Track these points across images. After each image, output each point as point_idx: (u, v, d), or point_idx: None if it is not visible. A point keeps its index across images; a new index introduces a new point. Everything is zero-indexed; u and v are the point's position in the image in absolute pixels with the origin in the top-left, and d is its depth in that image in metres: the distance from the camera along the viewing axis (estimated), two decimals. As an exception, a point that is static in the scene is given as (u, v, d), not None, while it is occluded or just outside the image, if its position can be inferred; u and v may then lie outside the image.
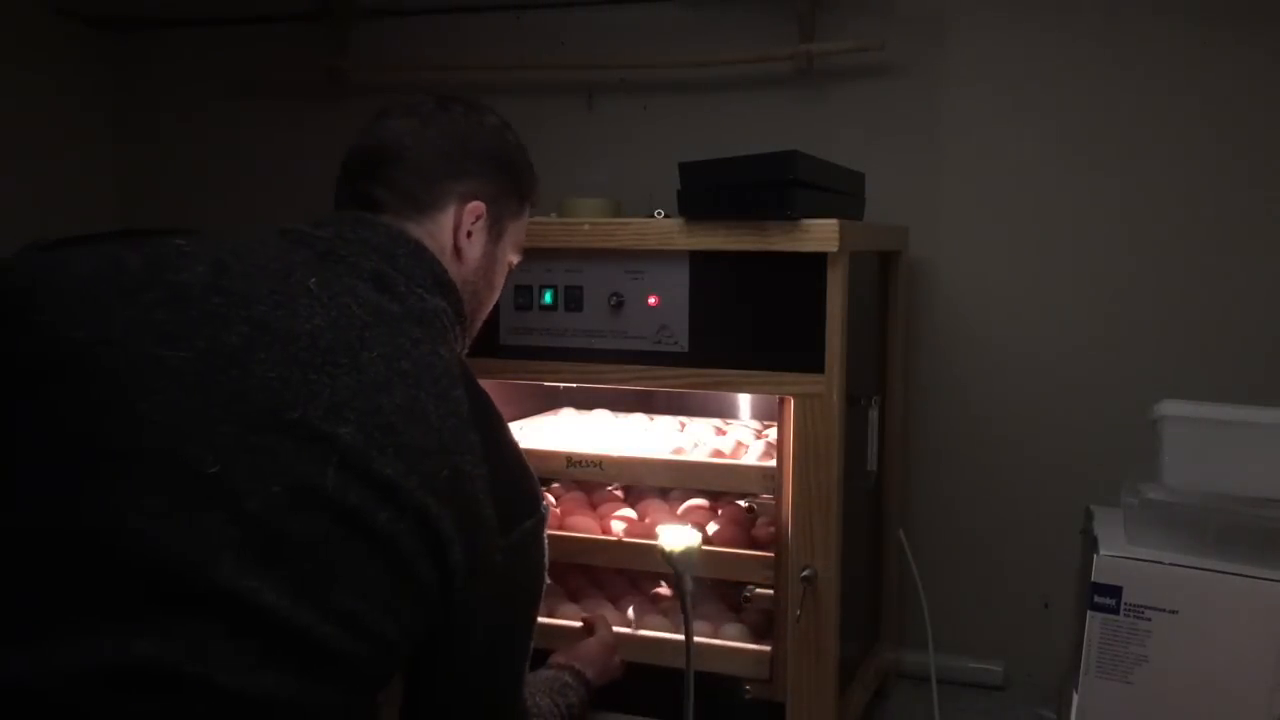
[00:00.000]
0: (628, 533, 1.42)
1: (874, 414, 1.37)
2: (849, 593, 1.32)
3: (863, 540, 1.51)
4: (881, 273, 1.58)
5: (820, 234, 1.22)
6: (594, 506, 1.53)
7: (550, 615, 1.39)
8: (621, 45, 1.84)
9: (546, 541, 0.95)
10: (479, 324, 1.11)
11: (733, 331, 1.29)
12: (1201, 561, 1.19)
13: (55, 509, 0.76)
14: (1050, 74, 1.65)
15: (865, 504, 1.50)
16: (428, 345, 0.90)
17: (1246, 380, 1.56)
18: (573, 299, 1.36)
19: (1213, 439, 1.23)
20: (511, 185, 1.08)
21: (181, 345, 0.79)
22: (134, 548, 0.75)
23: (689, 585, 1.20)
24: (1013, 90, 1.67)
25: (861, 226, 1.42)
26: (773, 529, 1.32)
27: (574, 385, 1.48)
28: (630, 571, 1.49)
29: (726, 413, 1.75)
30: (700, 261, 1.30)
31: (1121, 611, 1.21)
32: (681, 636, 1.20)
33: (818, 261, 1.23)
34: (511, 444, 0.95)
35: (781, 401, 1.28)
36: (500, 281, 1.11)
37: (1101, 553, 1.22)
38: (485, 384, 0.94)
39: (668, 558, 1.20)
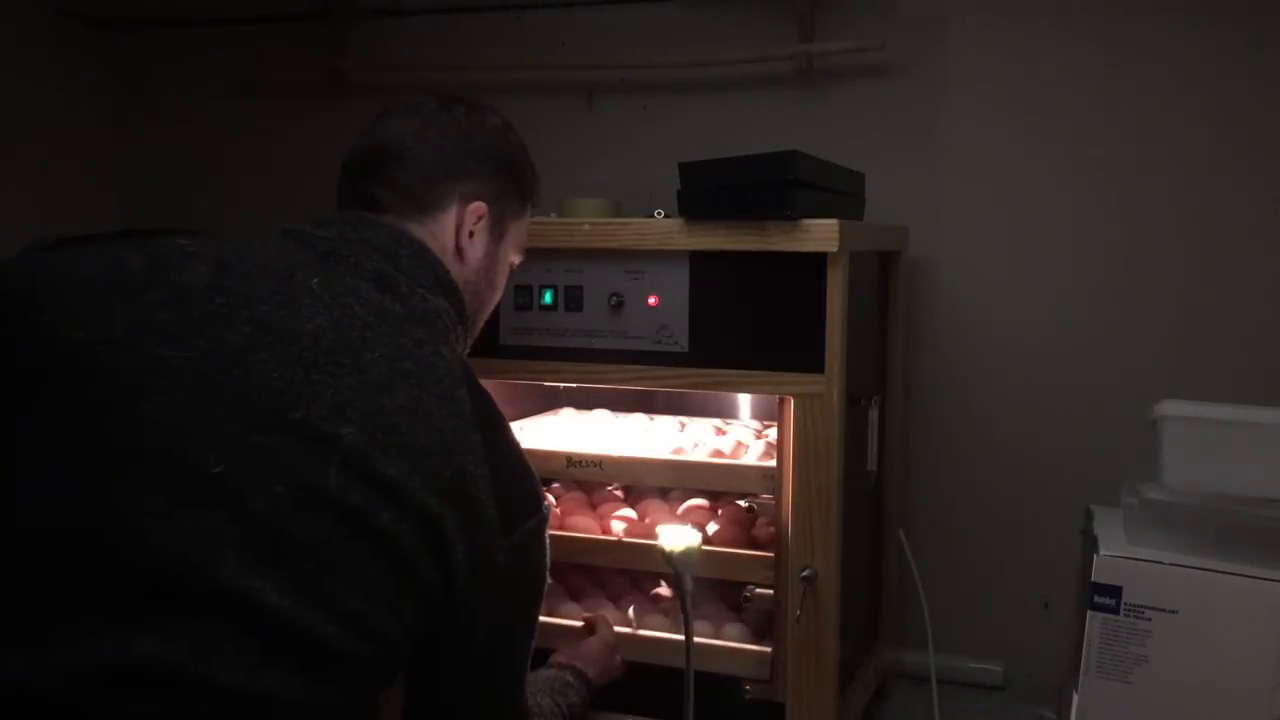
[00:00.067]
0: (628, 533, 1.42)
1: (874, 414, 1.36)
2: (849, 593, 1.32)
3: (863, 540, 1.51)
4: (881, 273, 1.58)
5: (820, 234, 1.22)
6: (594, 506, 1.53)
7: (551, 614, 1.39)
8: (621, 45, 1.84)
9: (548, 542, 0.95)
10: (481, 324, 1.11)
11: (733, 331, 1.29)
12: (1201, 561, 1.19)
13: (56, 509, 0.76)
14: (1050, 74, 1.65)
15: (865, 504, 1.50)
16: (430, 345, 0.90)
17: (1246, 380, 1.56)
18: (573, 299, 1.36)
19: (1213, 439, 1.23)
20: (513, 185, 1.08)
21: (184, 345, 0.80)
22: (135, 548, 0.75)
23: (689, 585, 1.20)
24: (1013, 90, 1.67)
25: (861, 226, 1.42)
26: (773, 529, 1.32)
27: (574, 385, 1.48)
28: (631, 571, 1.49)
29: (726, 413, 1.75)
30: (700, 261, 1.30)
31: (1121, 611, 1.21)
32: (682, 636, 1.20)
33: (818, 261, 1.23)
34: (513, 444, 0.95)
35: (781, 401, 1.28)
36: (502, 282, 1.11)
37: (1101, 553, 1.22)
38: (486, 384, 0.95)
39: (668, 558, 1.20)
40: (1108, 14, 1.62)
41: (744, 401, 1.74)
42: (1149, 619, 1.20)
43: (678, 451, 1.48)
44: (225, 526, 0.76)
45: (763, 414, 1.70)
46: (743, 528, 1.40)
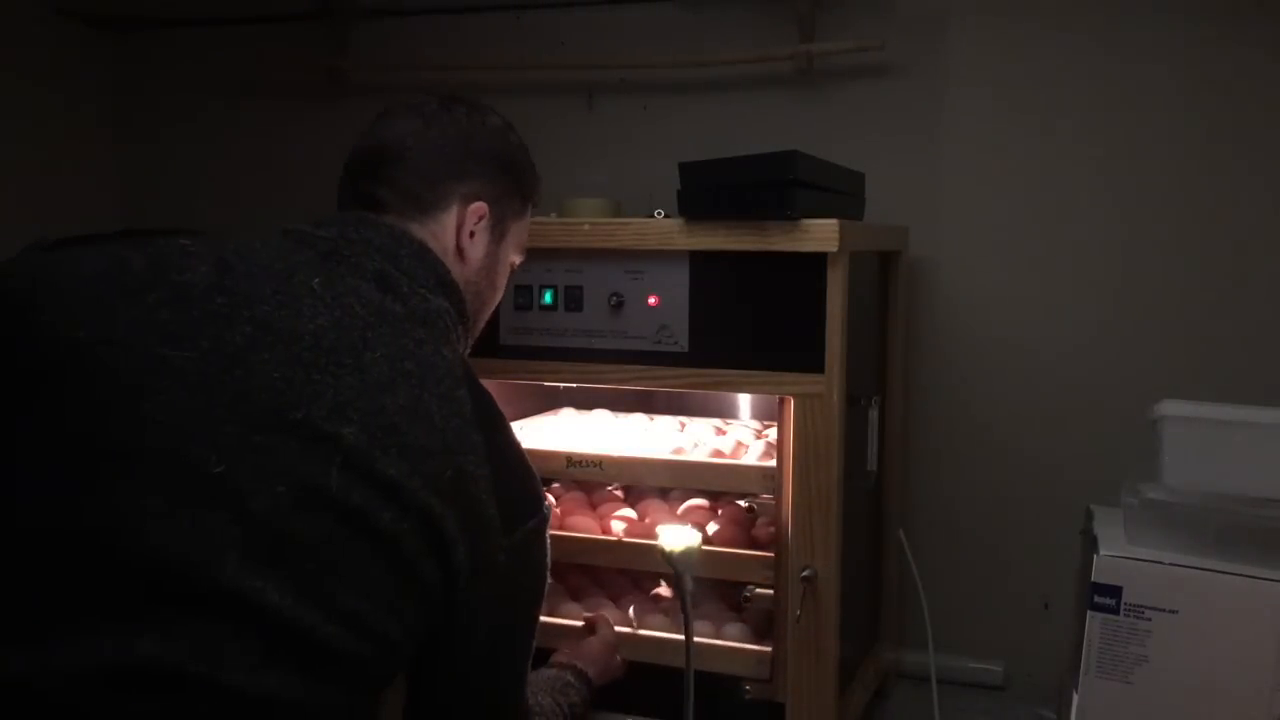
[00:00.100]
0: (628, 533, 1.42)
1: (874, 414, 1.36)
2: (849, 593, 1.32)
3: (863, 540, 1.51)
4: (881, 273, 1.58)
5: (820, 234, 1.22)
6: (594, 506, 1.53)
7: (552, 614, 1.39)
8: (621, 45, 1.84)
9: (549, 542, 0.95)
10: (482, 324, 1.11)
11: (733, 331, 1.29)
12: (1201, 561, 1.19)
13: (57, 509, 0.76)
14: (1050, 74, 1.65)
15: (865, 504, 1.50)
16: (431, 346, 0.90)
17: (1246, 380, 1.56)
18: (573, 299, 1.36)
19: (1213, 439, 1.23)
20: (514, 186, 1.08)
21: (185, 345, 0.80)
22: (136, 547, 0.75)
23: (689, 585, 1.20)
24: (1013, 90, 1.67)
25: (861, 226, 1.42)
26: (773, 529, 1.32)
27: (574, 385, 1.48)
28: (631, 571, 1.49)
29: (726, 413, 1.75)
30: (700, 261, 1.30)
31: (1121, 611, 1.21)
32: (682, 636, 1.20)
33: (818, 261, 1.23)
34: (514, 444, 0.95)
35: (781, 401, 1.28)
36: (503, 282, 1.11)
37: (1101, 553, 1.22)
38: (486, 384, 0.95)
39: (668, 558, 1.20)
40: (1107, 14, 1.62)
41: (744, 401, 1.75)
42: (1149, 619, 1.20)
43: (678, 451, 1.48)
44: (226, 526, 0.76)
45: (763, 414, 1.70)
46: (743, 528, 1.40)
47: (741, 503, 1.39)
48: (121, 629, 0.74)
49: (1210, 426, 1.23)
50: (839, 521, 1.27)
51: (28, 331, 0.81)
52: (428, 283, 0.96)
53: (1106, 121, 1.63)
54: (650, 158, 1.75)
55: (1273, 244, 1.58)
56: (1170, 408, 1.25)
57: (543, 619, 0.99)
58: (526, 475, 0.95)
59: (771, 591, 1.32)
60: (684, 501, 1.50)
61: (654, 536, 1.27)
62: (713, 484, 1.43)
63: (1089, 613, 1.22)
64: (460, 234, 1.02)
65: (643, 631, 1.38)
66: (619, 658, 1.33)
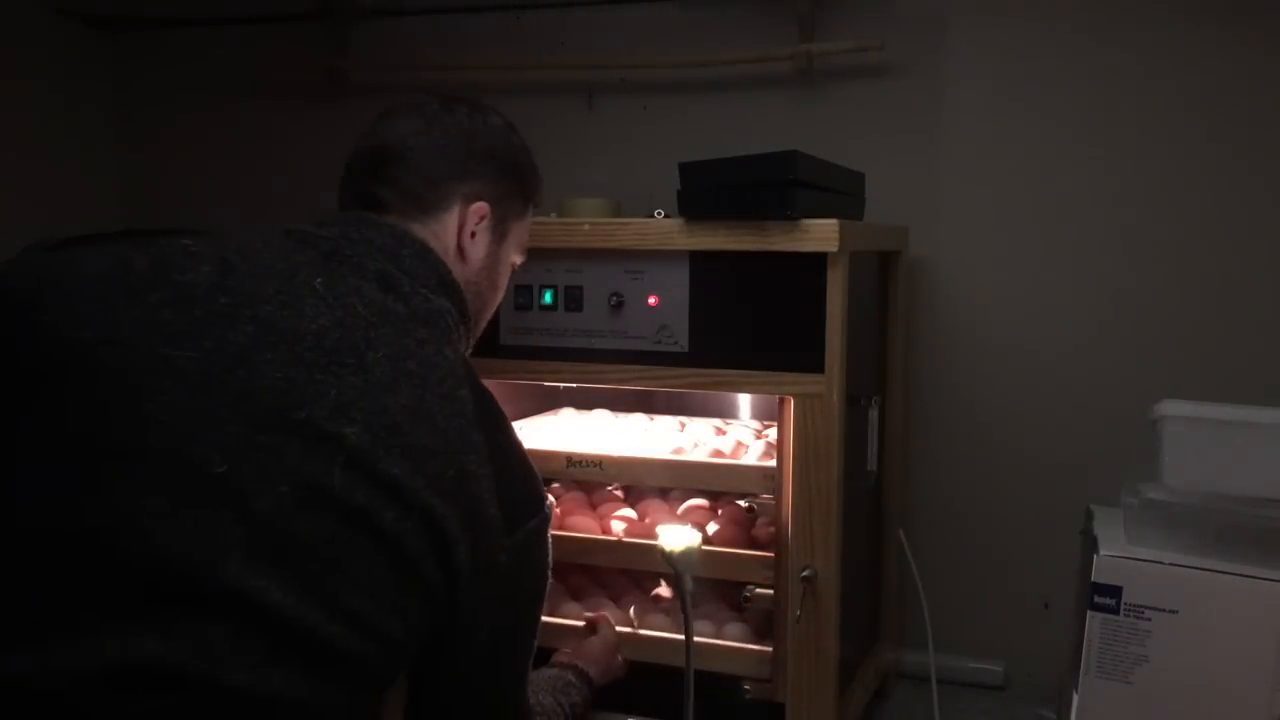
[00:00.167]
0: (628, 533, 1.42)
1: (874, 414, 1.37)
2: (849, 593, 1.33)
3: (863, 540, 1.51)
4: (881, 273, 1.58)
5: (820, 234, 1.22)
6: (594, 506, 1.53)
7: (553, 614, 1.39)
8: (621, 45, 1.84)
9: (550, 541, 0.95)
10: (483, 324, 1.11)
11: (733, 331, 1.30)
12: (1201, 561, 1.19)
13: (58, 509, 0.76)
14: (1050, 74, 1.65)
15: (865, 504, 1.50)
16: (433, 345, 0.90)
17: (1246, 380, 1.56)
18: (573, 299, 1.36)
19: (1213, 439, 1.23)
20: (516, 186, 1.08)
21: (188, 345, 0.80)
22: (138, 547, 0.75)
23: (689, 585, 1.20)
24: (1013, 90, 1.67)
25: (861, 226, 1.42)
26: (773, 529, 1.32)
27: (574, 385, 1.48)
28: (632, 571, 1.49)
29: (726, 413, 1.75)
30: (700, 261, 1.30)
31: (1121, 611, 1.21)
32: (682, 636, 1.20)
33: (818, 261, 1.24)
34: (516, 444, 0.96)
35: (781, 401, 1.28)
36: (504, 282, 1.11)
37: (1101, 553, 1.22)
38: (486, 384, 0.95)
39: (668, 558, 1.20)
40: (1107, 14, 1.62)
41: (744, 401, 1.75)
42: (1149, 619, 1.20)
43: (678, 451, 1.48)
44: (229, 526, 0.76)
45: (763, 414, 1.70)
46: (743, 528, 1.40)
47: (741, 503, 1.39)
48: (123, 629, 0.74)
49: (1210, 426, 1.23)
50: (839, 521, 1.27)
51: (30, 331, 0.81)
52: (429, 283, 0.97)
53: (1106, 121, 1.63)
54: (650, 158, 1.75)
55: (1273, 244, 1.58)
56: (1170, 408, 1.25)
57: (544, 619, 0.99)
58: (528, 475, 0.95)
59: (771, 591, 1.32)
60: (684, 501, 1.50)
61: (654, 536, 1.27)
62: (713, 484, 1.43)
63: (1089, 613, 1.23)
64: (462, 234, 1.03)
65: (643, 631, 1.38)
66: (620, 658, 1.33)
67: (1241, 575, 1.17)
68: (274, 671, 0.75)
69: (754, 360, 1.28)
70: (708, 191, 1.27)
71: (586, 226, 1.35)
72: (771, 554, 1.32)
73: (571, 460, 1.42)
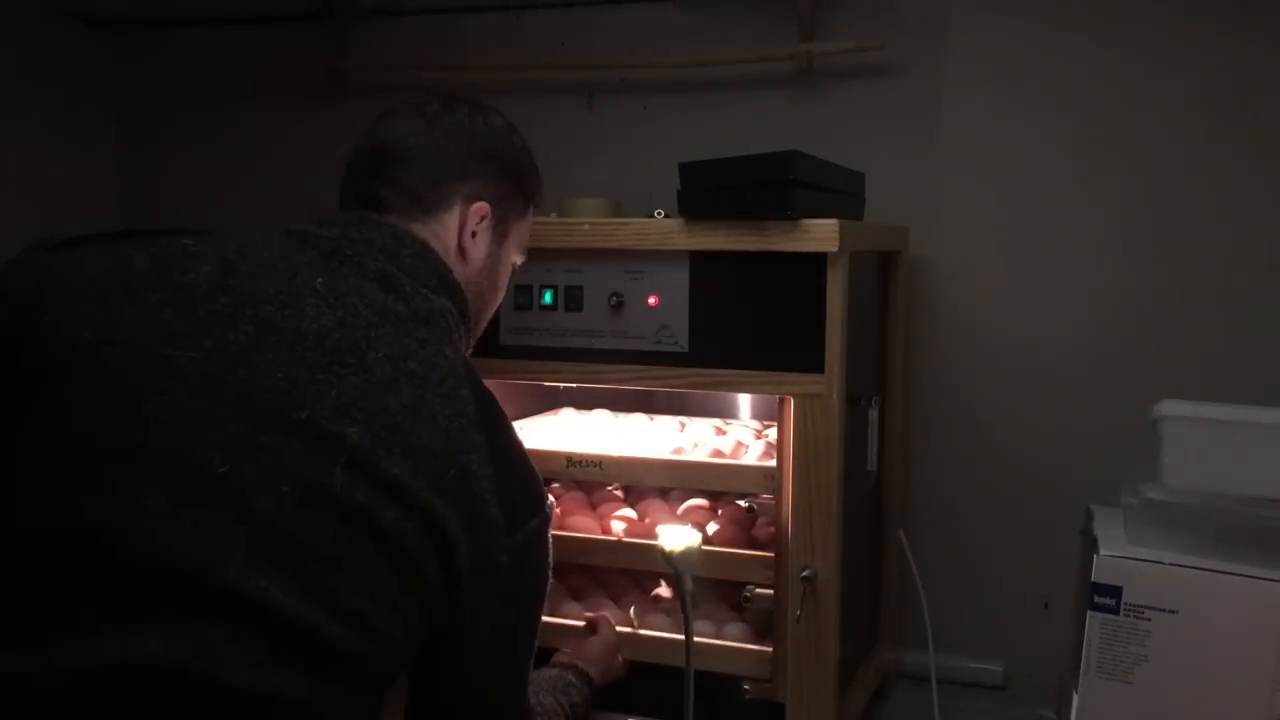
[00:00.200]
0: (628, 533, 1.42)
1: (874, 414, 1.37)
2: (849, 593, 1.32)
3: (863, 540, 1.51)
4: (881, 273, 1.58)
5: (820, 234, 1.22)
6: (594, 506, 1.53)
7: (553, 614, 1.39)
8: (621, 45, 1.84)
9: (551, 541, 0.96)
10: (484, 324, 1.11)
11: (733, 331, 1.29)
12: (1201, 561, 1.19)
13: (58, 509, 0.76)
14: (1051, 74, 1.65)
15: (865, 504, 1.50)
16: (434, 345, 0.90)
17: (1246, 380, 1.56)
18: (573, 299, 1.36)
19: (1213, 439, 1.23)
20: (516, 186, 1.08)
21: (189, 345, 0.80)
22: (138, 547, 0.75)
23: (689, 585, 1.20)
24: (1013, 90, 1.67)
25: (861, 226, 1.42)
26: (773, 529, 1.32)
27: (574, 385, 1.48)
28: (632, 571, 1.49)
29: (726, 413, 1.75)
30: (700, 261, 1.30)
31: (1121, 611, 1.21)
32: (682, 636, 1.20)
33: (818, 261, 1.23)
34: (516, 444, 0.96)
35: (781, 401, 1.28)
36: (504, 282, 1.11)
37: (1101, 553, 1.22)
38: (486, 384, 0.95)
39: (668, 558, 1.20)
40: (1108, 14, 1.62)
41: (744, 401, 1.75)
42: (1149, 619, 1.20)
43: (678, 451, 1.48)
44: (230, 526, 0.76)
45: (763, 414, 1.70)
46: (743, 528, 1.40)
47: (741, 503, 1.39)
48: (123, 629, 0.74)
49: (1210, 426, 1.23)
50: (839, 521, 1.27)
51: (30, 331, 0.81)
52: (430, 283, 0.97)
53: (1106, 121, 1.63)
54: (650, 158, 1.75)
55: (1273, 244, 1.58)
56: (1170, 408, 1.25)
57: (544, 619, 0.99)
58: (529, 475, 0.95)
59: (771, 591, 1.32)
60: (684, 501, 1.50)
61: (654, 536, 1.27)
62: (713, 484, 1.43)
63: (1089, 613, 1.22)
64: (462, 234, 1.03)
65: (643, 631, 1.38)
66: (620, 658, 1.33)
67: (1241, 575, 1.17)
68: (274, 671, 0.75)
69: (754, 360, 1.28)
70: (708, 191, 1.27)
71: (586, 226, 1.35)
72: (771, 554, 1.32)
73: (571, 460, 1.42)
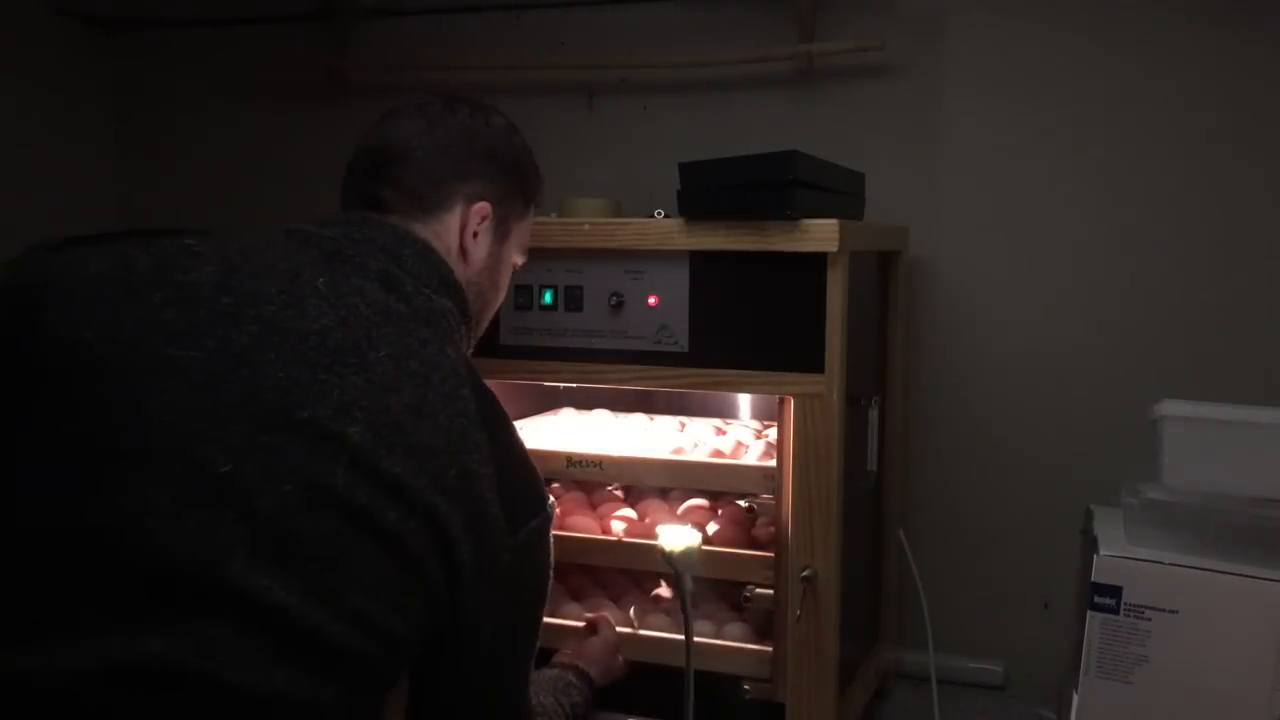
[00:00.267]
0: (628, 533, 1.42)
1: (874, 414, 1.37)
2: (849, 593, 1.33)
3: (863, 540, 1.51)
4: (881, 273, 1.58)
5: (820, 234, 1.22)
6: (594, 506, 1.53)
7: (553, 614, 1.39)
8: (622, 45, 1.84)
9: (552, 541, 0.96)
10: (485, 324, 1.11)
11: (733, 331, 1.30)
12: (1201, 561, 1.19)
13: (60, 508, 0.76)
14: (1050, 73, 1.65)
15: (865, 504, 1.50)
16: (435, 345, 0.91)
17: (1246, 380, 1.56)
18: (573, 299, 1.36)
19: (1213, 439, 1.23)
20: (517, 186, 1.08)
21: (191, 345, 0.80)
22: (141, 547, 0.75)
23: (689, 585, 1.20)
24: (1013, 90, 1.67)
25: (861, 226, 1.42)
26: (773, 529, 1.32)
27: (574, 385, 1.48)
28: (632, 571, 1.49)
29: (726, 413, 1.75)
30: (700, 261, 1.30)
31: (1121, 611, 1.21)
32: (682, 636, 1.20)
33: (818, 261, 1.24)
34: (518, 444, 0.96)
35: (781, 401, 1.28)
36: (505, 282, 1.11)
37: (1101, 553, 1.22)
38: (487, 384, 0.95)
39: (668, 558, 1.20)
40: (1107, 13, 1.62)
41: (744, 401, 1.75)
42: (1149, 619, 1.20)
43: (678, 451, 1.48)
44: (233, 526, 0.76)
45: (763, 414, 1.70)
46: (743, 528, 1.40)
47: (741, 503, 1.39)
48: (125, 628, 0.74)
49: (1210, 426, 1.24)
50: (839, 521, 1.27)
51: (32, 331, 0.80)
52: (431, 283, 0.97)
53: (1106, 121, 1.63)
54: (650, 158, 1.75)
55: (1273, 244, 1.58)
56: (1170, 408, 1.25)
57: (544, 619, 0.99)
58: (530, 475, 0.95)
59: (771, 591, 1.32)
60: (684, 501, 1.50)
61: (654, 536, 1.27)
62: (713, 484, 1.43)
63: (1089, 613, 1.23)
64: (464, 234, 1.03)
65: (643, 632, 1.38)
66: (620, 658, 1.33)
67: (1241, 575, 1.17)
68: (277, 670, 0.76)
69: (754, 360, 1.28)
70: (708, 191, 1.27)
71: (586, 226, 1.35)
72: (771, 554, 1.32)
73: (571, 460, 1.42)
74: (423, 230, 1.00)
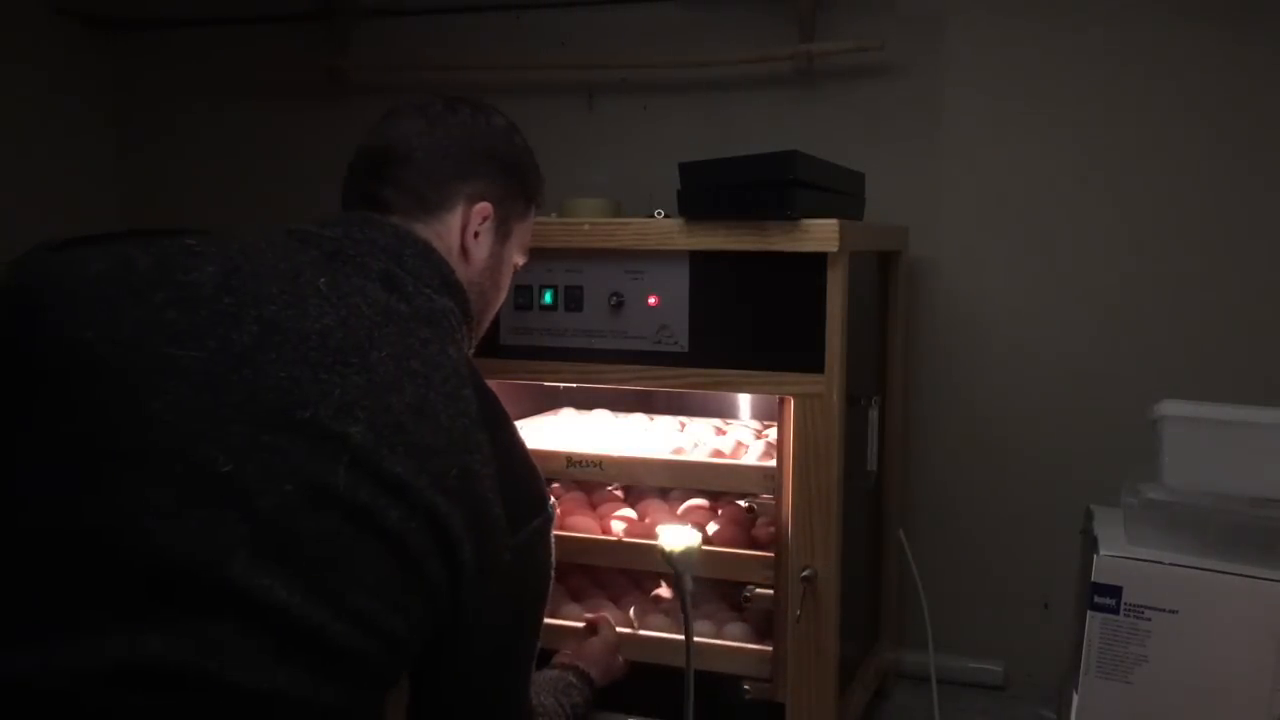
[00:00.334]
0: (628, 533, 1.42)
1: (874, 414, 1.37)
2: (849, 593, 1.33)
3: (863, 540, 1.51)
4: (881, 273, 1.58)
5: (820, 234, 1.22)
6: (594, 506, 1.53)
7: (553, 615, 1.39)
8: (622, 45, 1.84)
9: (553, 541, 0.96)
10: (486, 324, 1.11)
11: (733, 331, 1.30)
12: (1201, 561, 1.19)
13: (60, 508, 0.76)
14: (1050, 73, 1.65)
15: (865, 504, 1.50)
16: (436, 345, 0.91)
17: (1246, 380, 1.56)
18: (573, 299, 1.36)
19: (1213, 439, 1.23)
20: (518, 186, 1.09)
21: (192, 345, 0.80)
22: (141, 547, 0.75)
23: (689, 585, 1.20)
24: (1012, 90, 1.67)
25: (861, 226, 1.42)
26: (773, 529, 1.32)
27: (574, 385, 1.48)
28: (632, 571, 1.49)
29: (726, 413, 1.75)
30: (700, 261, 1.30)
31: (1121, 611, 1.21)
32: (682, 636, 1.20)
33: (818, 261, 1.24)
34: (519, 444, 0.96)
35: (781, 401, 1.28)
36: (506, 282, 1.11)
37: (1101, 553, 1.22)
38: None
39: (668, 558, 1.20)
40: (1107, 13, 1.62)
41: (744, 401, 1.75)
42: (1149, 619, 1.20)
43: (678, 451, 1.48)
44: (234, 525, 0.76)
45: (763, 414, 1.70)
46: (743, 528, 1.40)
47: (741, 503, 1.39)
48: (125, 628, 0.74)
49: (1210, 426, 1.24)
50: (839, 521, 1.27)
51: (34, 331, 0.81)
52: (432, 283, 0.97)
53: (1106, 120, 1.63)
54: (650, 158, 1.75)
55: (1273, 244, 1.58)
56: (1170, 408, 1.25)
57: (545, 619, 0.99)
58: (531, 475, 0.95)
59: (771, 591, 1.32)
60: (684, 501, 1.50)
61: (654, 536, 1.27)
62: (713, 484, 1.43)
63: (1089, 613, 1.23)
64: (465, 234, 1.03)
65: (643, 632, 1.38)
66: (620, 658, 1.33)
67: (1241, 575, 1.18)
68: (278, 670, 0.76)
69: (754, 360, 1.28)
70: (708, 191, 1.27)
71: (586, 226, 1.35)
72: (771, 554, 1.32)
73: (571, 460, 1.42)
74: (424, 230, 1.00)
